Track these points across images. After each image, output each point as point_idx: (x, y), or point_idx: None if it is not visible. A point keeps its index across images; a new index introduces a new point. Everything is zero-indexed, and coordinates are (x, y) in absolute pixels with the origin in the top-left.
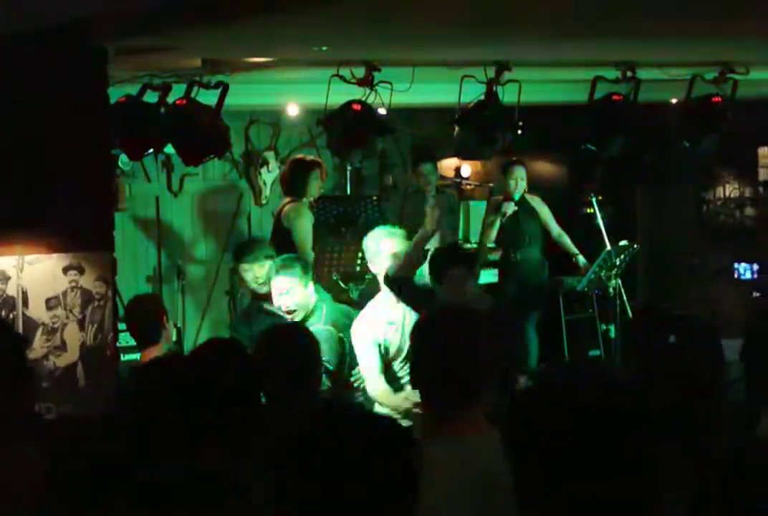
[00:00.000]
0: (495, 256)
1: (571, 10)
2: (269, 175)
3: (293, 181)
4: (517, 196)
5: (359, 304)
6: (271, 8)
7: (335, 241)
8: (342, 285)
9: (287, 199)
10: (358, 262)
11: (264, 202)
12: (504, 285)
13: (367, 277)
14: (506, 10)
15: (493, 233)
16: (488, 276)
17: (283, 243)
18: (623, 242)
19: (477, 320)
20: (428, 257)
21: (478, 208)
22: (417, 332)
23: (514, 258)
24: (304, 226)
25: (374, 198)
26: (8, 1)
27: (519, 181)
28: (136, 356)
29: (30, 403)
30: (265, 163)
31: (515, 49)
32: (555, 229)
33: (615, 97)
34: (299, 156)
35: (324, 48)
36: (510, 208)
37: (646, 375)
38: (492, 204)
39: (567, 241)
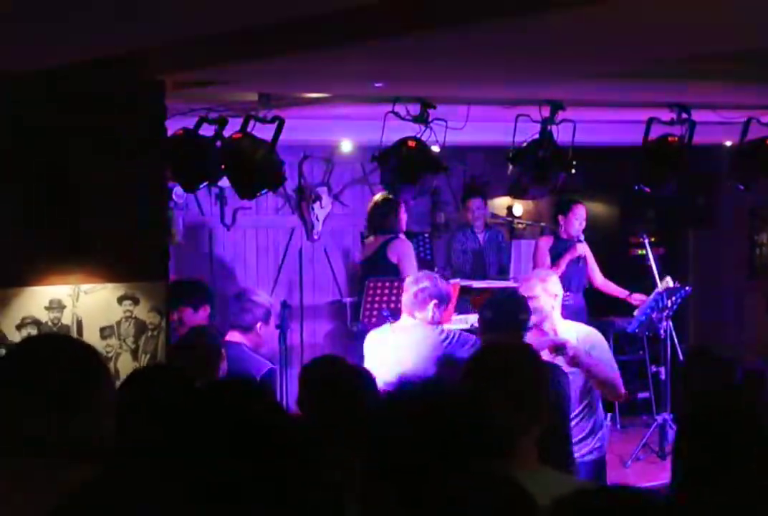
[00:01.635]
0: None
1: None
2: (322, 210)
3: (387, 218)
4: (582, 237)
5: None
6: (328, 43)
7: (387, 277)
8: (392, 321)
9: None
10: None
11: (316, 237)
12: None
13: None
14: (563, 50)
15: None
16: None
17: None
18: (669, 283)
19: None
20: None
21: (528, 246)
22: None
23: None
24: (413, 261)
25: (426, 235)
26: (66, 34)
27: (582, 221)
28: None
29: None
30: (318, 198)
31: (570, 89)
32: (600, 276)
33: (670, 139)
34: (382, 195)
35: (379, 84)
36: (582, 249)
37: (697, 418)
38: (562, 246)
39: (612, 285)
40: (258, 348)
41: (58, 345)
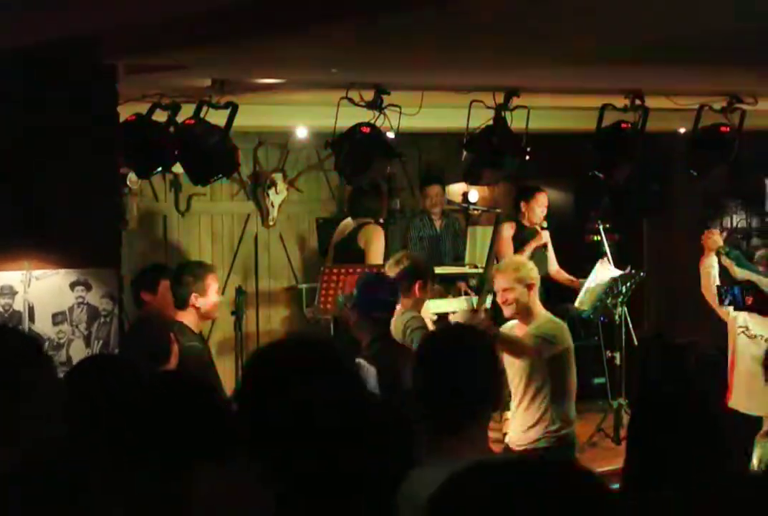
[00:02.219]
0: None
1: (582, 38)
2: (277, 196)
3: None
4: (545, 224)
5: None
6: (282, 30)
7: (342, 265)
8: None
9: (359, 221)
10: None
11: (271, 223)
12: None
13: None
14: (516, 37)
15: None
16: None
17: (350, 259)
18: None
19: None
20: None
21: (484, 233)
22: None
23: None
24: (379, 248)
25: (380, 222)
26: (17, 17)
27: (544, 208)
28: None
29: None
30: (273, 184)
31: (524, 75)
32: (555, 265)
33: (623, 126)
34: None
35: (333, 70)
36: (546, 237)
37: (650, 403)
38: (527, 233)
39: (564, 274)
40: None
41: None
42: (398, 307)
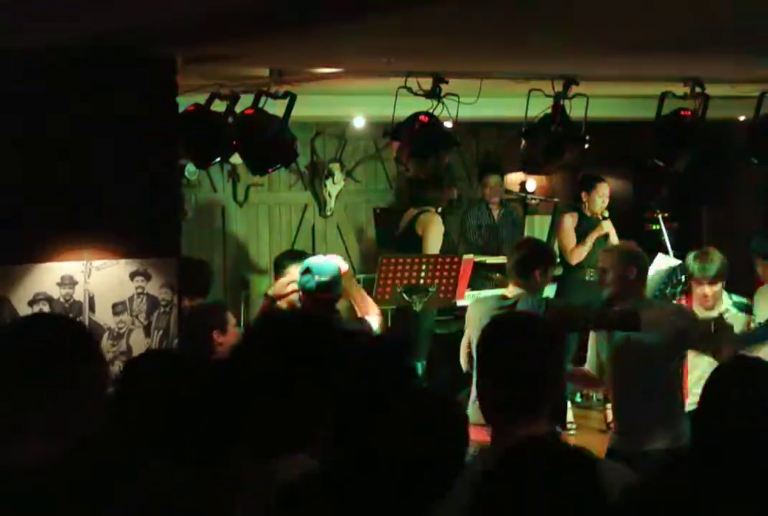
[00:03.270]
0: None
1: (641, 26)
2: (334, 186)
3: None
4: (606, 214)
5: None
6: (339, 19)
7: (399, 254)
8: (406, 297)
9: (419, 209)
10: (422, 274)
11: (329, 213)
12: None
13: (430, 290)
14: (575, 24)
15: (584, 254)
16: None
17: (410, 247)
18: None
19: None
20: None
21: (542, 223)
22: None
23: (591, 275)
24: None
25: (439, 210)
26: (74, 10)
27: (605, 199)
28: None
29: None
30: (331, 174)
31: (583, 64)
32: None
33: (683, 113)
34: None
35: (387, 60)
36: (608, 227)
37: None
38: (588, 223)
39: None
40: None
41: (44, 323)
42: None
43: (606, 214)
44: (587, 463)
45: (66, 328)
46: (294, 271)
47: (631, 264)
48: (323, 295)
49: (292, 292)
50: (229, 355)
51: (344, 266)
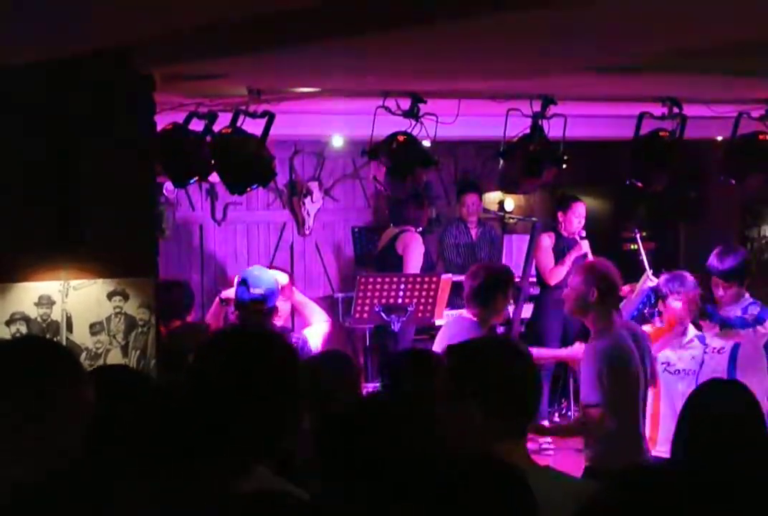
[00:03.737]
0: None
1: (618, 47)
2: (313, 205)
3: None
4: (583, 234)
5: None
6: (317, 40)
7: (378, 273)
8: (384, 316)
9: (399, 228)
10: (401, 293)
11: (307, 232)
12: (540, 320)
13: (408, 309)
14: (553, 44)
15: (563, 273)
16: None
17: (390, 266)
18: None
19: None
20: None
21: (520, 241)
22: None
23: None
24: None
25: (419, 230)
26: (52, 28)
27: (582, 219)
28: None
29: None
30: (309, 193)
31: (561, 83)
32: None
33: (661, 134)
34: None
35: (367, 80)
36: (586, 247)
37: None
38: (565, 243)
39: None
40: None
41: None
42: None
43: (583, 233)
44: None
45: (54, 351)
46: None
47: (592, 285)
48: (256, 306)
49: None
50: (186, 370)
51: (283, 279)
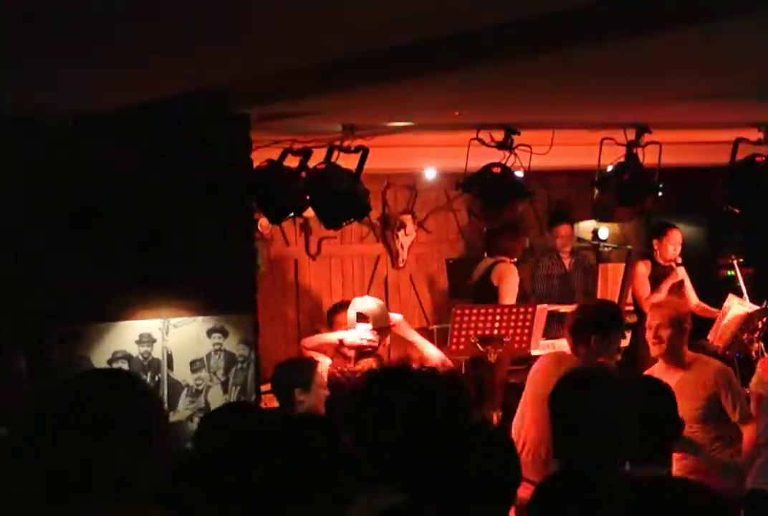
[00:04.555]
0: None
1: (709, 71)
2: (406, 238)
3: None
4: (679, 261)
5: None
6: (409, 75)
7: (473, 305)
8: (480, 348)
9: (494, 259)
10: (496, 324)
11: (401, 264)
12: (638, 347)
13: (504, 340)
14: (646, 74)
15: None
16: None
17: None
18: (741, 304)
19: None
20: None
21: (615, 270)
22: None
23: None
24: (511, 285)
25: (514, 260)
26: (150, 72)
27: (678, 246)
28: None
29: (155, 470)
30: (403, 225)
31: (655, 111)
32: (695, 299)
33: (758, 159)
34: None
35: (457, 113)
36: (682, 273)
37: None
38: (661, 270)
39: (706, 307)
40: None
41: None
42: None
43: (679, 260)
44: None
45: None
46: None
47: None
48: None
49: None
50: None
51: (396, 318)
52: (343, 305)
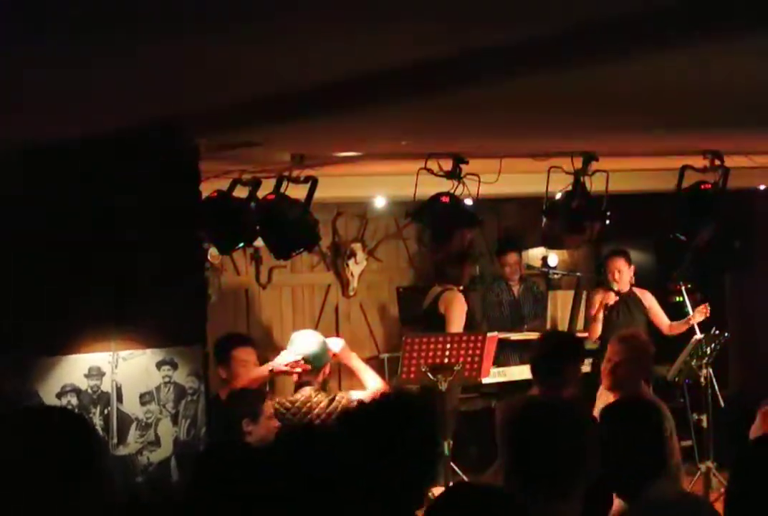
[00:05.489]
0: (593, 346)
1: (658, 103)
2: (357, 266)
3: (448, 268)
4: (615, 287)
5: None
6: (353, 106)
7: (423, 333)
8: (431, 376)
9: (441, 287)
10: (447, 353)
11: (352, 293)
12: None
13: (455, 368)
14: (594, 103)
15: (599, 328)
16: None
17: (434, 325)
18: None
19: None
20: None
21: (565, 297)
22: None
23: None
24: (458, 314)
25: (461, 288)
26: (97, 104)
27: (616, 272)
28: None
29: (98, 496)
30: (353, 254)
31: (602, 140)
32: (666, 320)
33: (704, 186)
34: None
35: (404, 143)
36: (611, 298)
37: (741, 466)
38: (596, 297)
39: (676, 324)
40: None
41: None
42: None
43: (626, 286)
44: None
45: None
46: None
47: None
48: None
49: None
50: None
51: (338, 345)
52: (237, 339)
